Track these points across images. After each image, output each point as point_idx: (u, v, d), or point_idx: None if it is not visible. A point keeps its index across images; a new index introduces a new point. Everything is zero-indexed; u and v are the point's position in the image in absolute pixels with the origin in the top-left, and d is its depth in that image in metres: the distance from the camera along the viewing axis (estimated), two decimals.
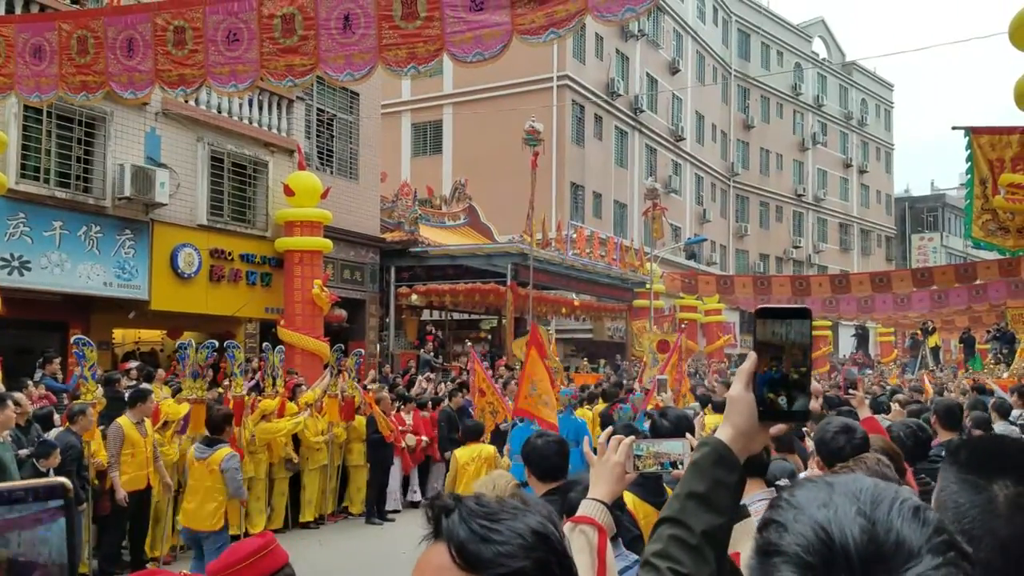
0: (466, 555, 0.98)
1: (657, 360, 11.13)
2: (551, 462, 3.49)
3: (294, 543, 9.33)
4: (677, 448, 1.90)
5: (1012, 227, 7.48)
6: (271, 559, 2.25)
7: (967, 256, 48.59)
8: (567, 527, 1.80)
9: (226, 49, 8.48)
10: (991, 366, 20.59)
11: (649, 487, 3.56)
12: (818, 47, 49.41)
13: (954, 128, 7.73)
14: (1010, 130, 7.49)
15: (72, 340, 8.85)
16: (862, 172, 51.55)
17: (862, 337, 35.23)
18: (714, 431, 1.38)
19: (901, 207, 55.65)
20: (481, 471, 8.33)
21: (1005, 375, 17.40)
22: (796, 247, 45.65)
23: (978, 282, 25.10)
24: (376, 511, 11.37)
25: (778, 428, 1.33)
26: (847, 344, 39.94)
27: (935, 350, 26.50)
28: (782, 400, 1.29)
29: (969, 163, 7.73)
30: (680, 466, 1.86)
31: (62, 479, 0.86)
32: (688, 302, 29.09)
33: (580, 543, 1.76)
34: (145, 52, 8.97)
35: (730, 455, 1.31)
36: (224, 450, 7.32)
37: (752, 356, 1.31)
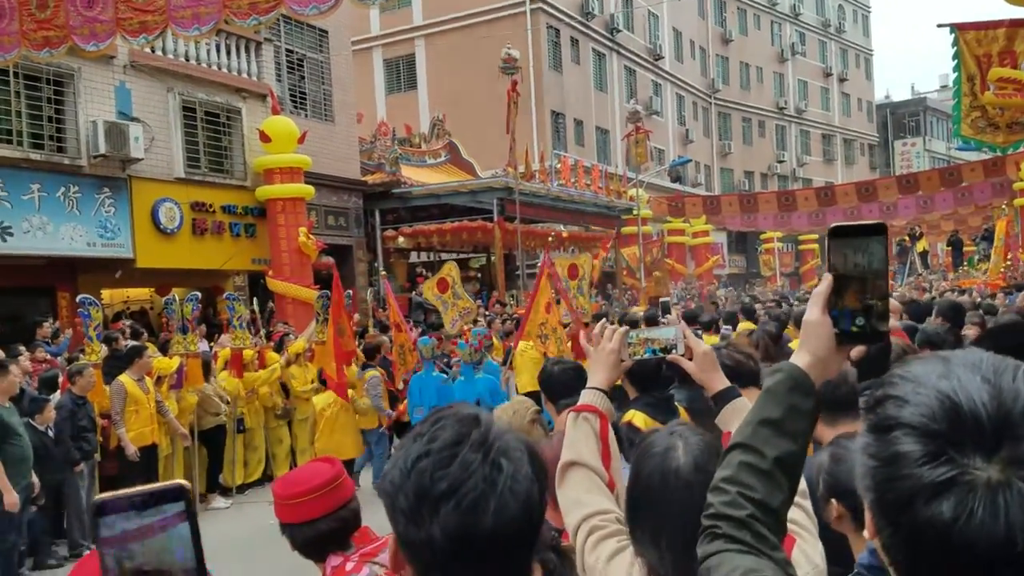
0: None
1: (570, 288, 9.86)
2: (568, 388, 3.48)
3: None
4: (668, 334, 1.93)
5: (1002, 123, 7.38)
6: (342, 490, 2.19)
7: (951, 159, 48.59)
8: (570, 417, 1.91)
9: None
10: (975, 266, 20.72)
11: (660, 407, 3.57)
12: None
13: (939, 26, 7.58)
14: (996, 24, 7.34)
15: (78, 299, 8.79)
16: (842, 80, 51.09)
17: None
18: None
19: (883, 114, 55.38)
20: (338, 417, 8.42)
21: (981, 276, 17.50)
22: (780, 162, 45.48)
23: (964, 184, 25.12)
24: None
25: (858, 350, 1.30)
26: None
27: (923, 255, 26.68)
28: (860, 321, 1.25)
29: (956, 61, 7.59)
30: (674, 351, 1.90)
31: (181, 481, 0.84)
32: (675, 225, 29.07)
33: (585, 430, 1.87)
34: (105, 1, 8.67)
35: (806, 381, 1.27)
36: (372, 371, 9.28)
37: (827, 278, 1.27)
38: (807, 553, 1.61)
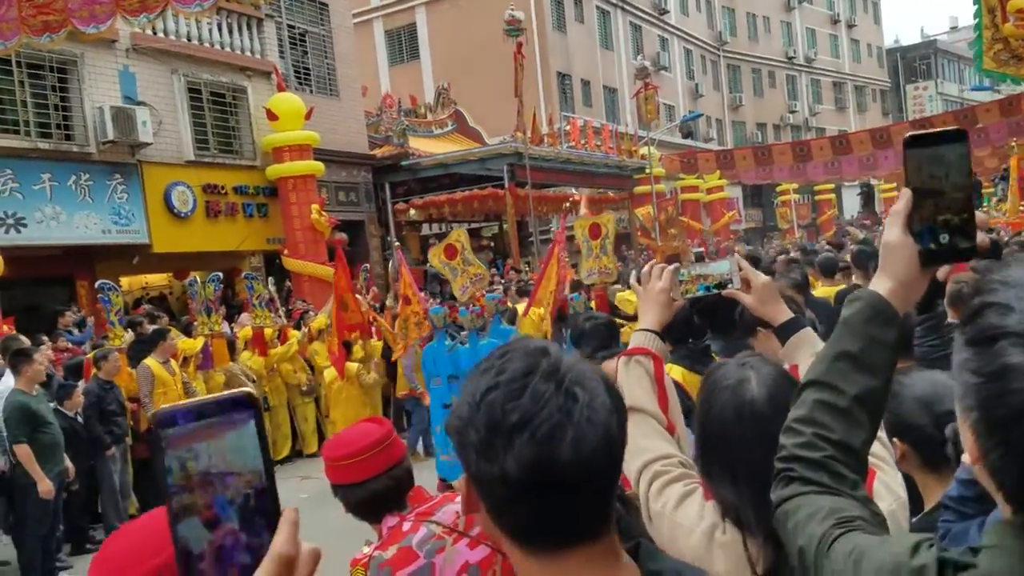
0: None
1: (592, 250, 9.32)
2: (600, 344, 3.41)
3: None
4: (723, 268, 1.82)
5: None
6: (393, 450, 2.13)
7: (963, 101, 47.76)
8: (622, 362, 1.81)
9: None
10: (995, 207, 20.40)
11: (696, 357, 3.50)
12: None
13: None
14: None
15: (96, 286, 8.81)
16: (851, 27, 50.20)
17: (868, 195, 34.96)
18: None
19: (893, 58, 54.45)
20: (344, 389, 8.37)
21: (1002, 216, 17.20)
22: (792, 112, 44.87)
23: (979, 126, 24.65)
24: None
25: (944, 270, 1.20)
26: (851, 205, 39.74)
27: None
28: (943, 238, 1.14)
29: None
30: (730, 285, 1.79)
31: (246, 389, 0.79)
32: (689, 182, 28.75)
33: (638, 373, 1.78)
34: None
35: (888, 309, 1.16)
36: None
37: (905, 194, 1.16)
38: (888, 484, 1.55)
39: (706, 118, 37.32)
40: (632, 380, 1.77)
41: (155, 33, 13.47)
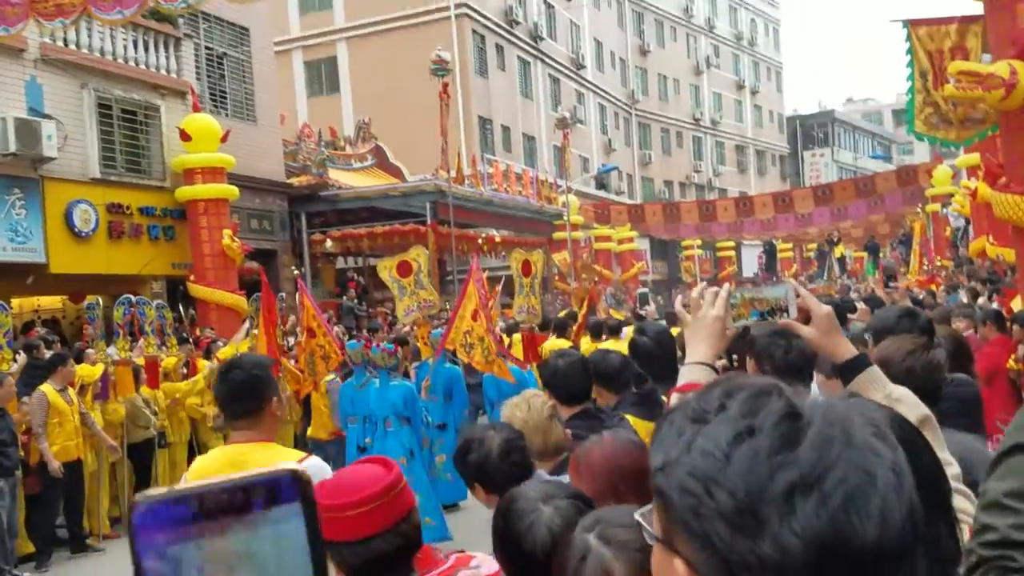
0: None
1: (523, 286, 9.18)
2: (576, 384, 3.17)
3: None
4: (778, 293, 1.65)
5: (955, 119, 7.51)
6: (402, 499, 1.71)
7: (857, 169, 50.65)
8: (674, 398, 1.59)
9: None
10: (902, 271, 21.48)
11: (644, 403, 3.33)
12: None
13: (892, 21, 7.66)
14: (947, 20, 7.48)
15: None
16: (754, 93, 52.63)
17: (770, 253, 36.33)
18: None
19: (792, 125, 57.34)
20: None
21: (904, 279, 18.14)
22: (697, 171, 46.43)
23: (877, 193, 26.05)
24: None
25: None
26: (750, 263, 41.15)
27: (841, 260, 27.53)
28: None
29: (909, 56, 7.71)
30: (786, 315, 1.62)
31: (292, 467, 0.51)
32: (602, 232, 29.25)
33: None
34: None
35: None
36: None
37: None
38: None
39: (618, 172, 38.20)
40: None
41: (66, 44, 12.78)
